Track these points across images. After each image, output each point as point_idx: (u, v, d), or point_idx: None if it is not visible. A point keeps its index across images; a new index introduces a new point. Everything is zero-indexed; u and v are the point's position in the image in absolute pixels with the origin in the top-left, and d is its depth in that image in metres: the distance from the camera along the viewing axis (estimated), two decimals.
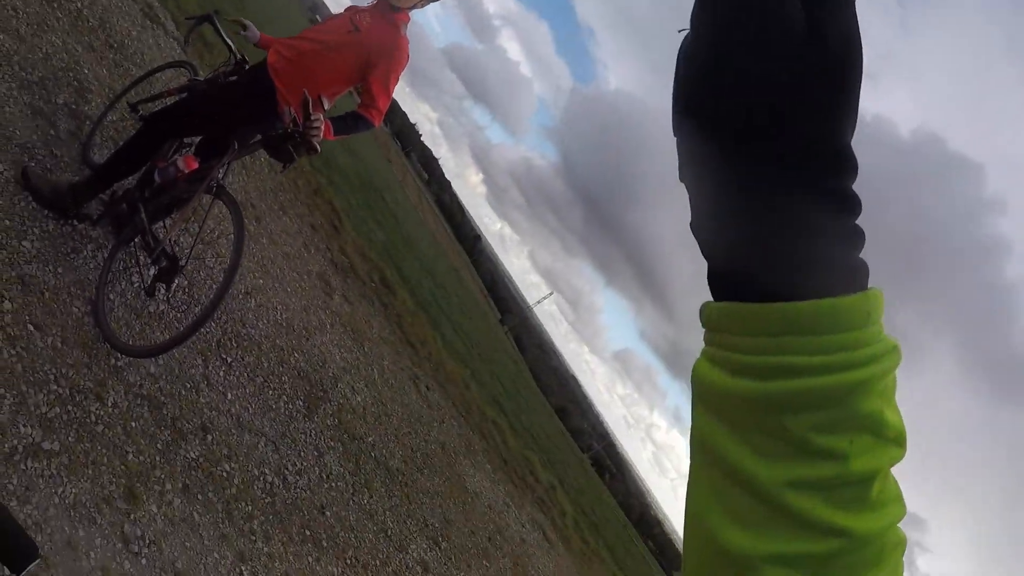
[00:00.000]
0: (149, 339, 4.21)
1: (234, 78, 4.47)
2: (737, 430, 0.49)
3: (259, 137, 4.10)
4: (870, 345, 0.46)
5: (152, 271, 4.07)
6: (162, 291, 4.15)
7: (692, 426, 0.54)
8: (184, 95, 4.70)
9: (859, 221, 0.49)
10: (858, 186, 0.49)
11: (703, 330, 0.53)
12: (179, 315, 4.53)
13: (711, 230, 0.52)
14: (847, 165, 0.47)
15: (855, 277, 0.48)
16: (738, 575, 0.48)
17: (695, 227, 0.53)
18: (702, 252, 0.53)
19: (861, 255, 0.49)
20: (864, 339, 0.46)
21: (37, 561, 0.85)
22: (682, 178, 0.53)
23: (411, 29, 4.33)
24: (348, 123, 4.16)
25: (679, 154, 0.52)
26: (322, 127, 3.78)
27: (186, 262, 4.08)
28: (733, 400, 0.49)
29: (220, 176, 4.08)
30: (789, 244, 0.47)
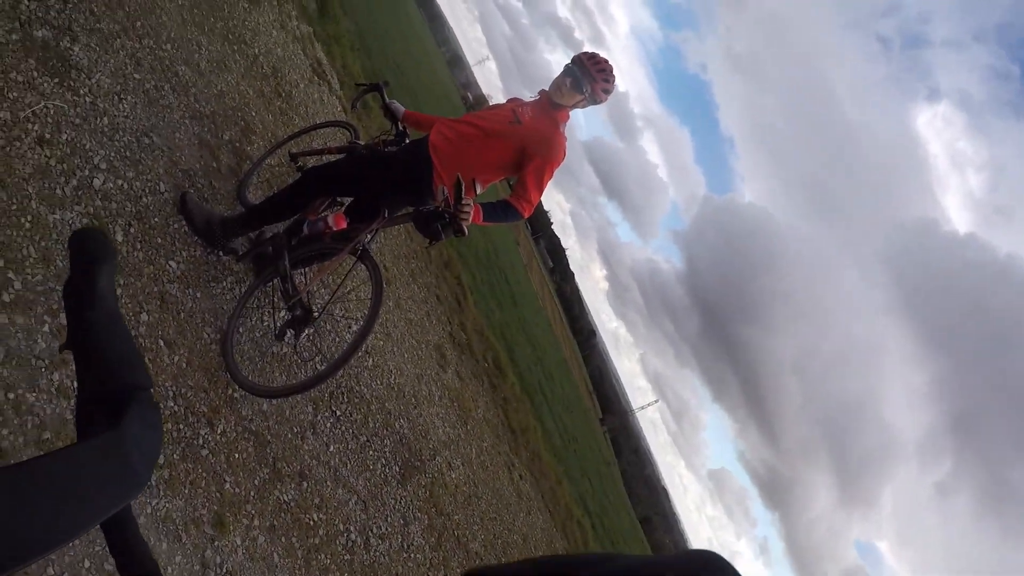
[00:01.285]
0: (269, 378, 4.31)
1: (394, 149, 4.58)
2: None
3: (410, 210, 4.20)
4: None
5: (285, 316, 4.19)
6: (290, 337, 4.24)
7: None
8: (343, 156, 4.84)
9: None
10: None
11: None
12: (300, 361, 4.63)
13: None
14: None
15: None
16: None
17: None
18: None
19: None
20: None
21: None
22: None
23: None
24: (498, 211, 4.19)
25: None
26: (472, 211, 3.84)
27: (319, 314, 4.19)
28: None
29: (367, 240, 4.19)
30: None
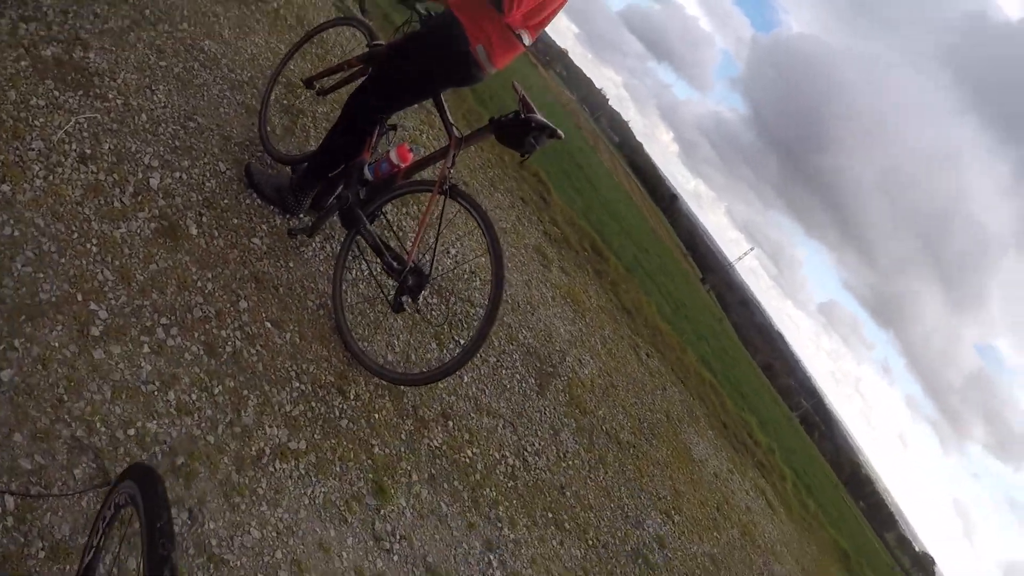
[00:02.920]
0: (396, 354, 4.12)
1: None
2: None
3: (488, 123, 3.77)
4: None
5: (392, 285, 3.87)
6: (408, 302, 3.87)
7: None
8: (369, 65, 4.35)
9: None
10: None
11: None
12: (426, 324, 4.52)
13: None
14: None
15: None
16: None
17: None
18: None
19: None
20: None
21: None
22: None
23: None
24: None
25: None
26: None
27: (430, 272, 3.86)
28: None
29: (450, 171, 3.79)
30: None
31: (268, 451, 2.97)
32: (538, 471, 4.49)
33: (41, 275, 2.71)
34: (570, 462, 4.92)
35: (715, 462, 8.50)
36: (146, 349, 2.84)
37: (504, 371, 4.93)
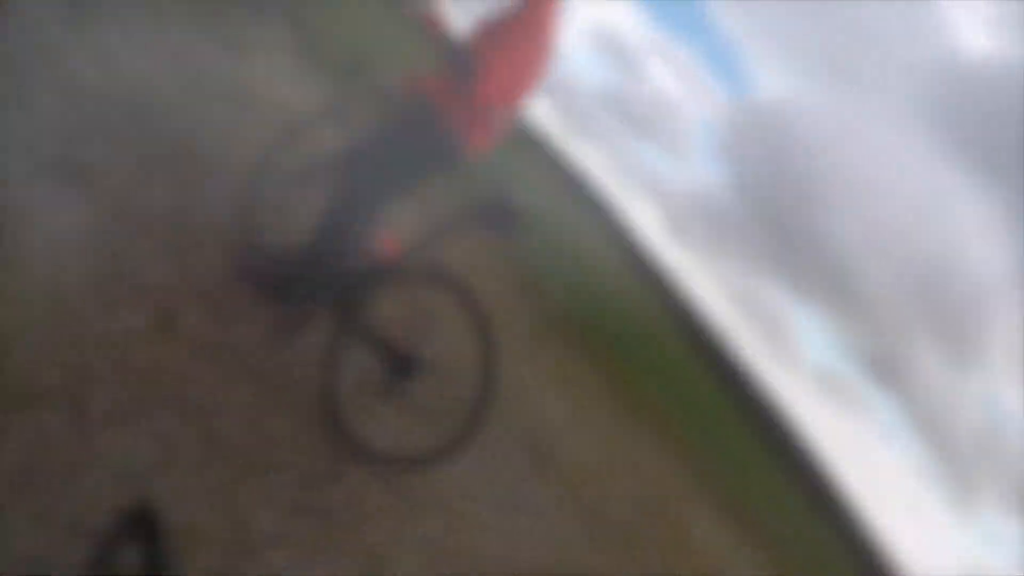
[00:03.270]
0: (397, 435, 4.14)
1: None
2: None
3: (465, 209, 3.83)
4: None
5: (389, 373, 3.94)
6: (401, 391, 3.94)
7: None
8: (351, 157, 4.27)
9: None
10: None
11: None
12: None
13: None
14: None
15: None
16: None
17: None
18: None
19: None
20: None
21: None
22: None
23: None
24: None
25: None
26: None
27: (421, 357, 3.91)
28: None
29: (434, 258, 3.86)
30: None
31: (261, 540, 2.95)
32: (535, 558, 4.45)
33: (40, 364, 2.72)
34: (567, 547, 4.87)
35: (719, 547, 8.39)
36: (143, 438, 2.85)
37: (498, 457, 4.91)
